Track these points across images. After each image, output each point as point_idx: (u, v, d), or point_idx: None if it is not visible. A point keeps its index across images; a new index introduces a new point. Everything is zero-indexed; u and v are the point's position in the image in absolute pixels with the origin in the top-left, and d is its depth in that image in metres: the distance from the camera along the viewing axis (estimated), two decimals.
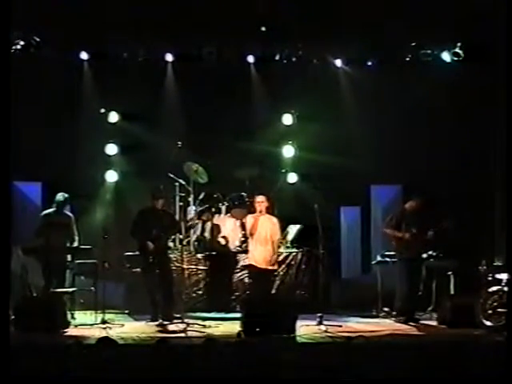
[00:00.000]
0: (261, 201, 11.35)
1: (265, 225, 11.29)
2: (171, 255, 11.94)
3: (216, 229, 12.64)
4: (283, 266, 12.36)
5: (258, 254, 11.25)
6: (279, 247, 12.05)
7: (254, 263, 11.34)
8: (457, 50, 13.26)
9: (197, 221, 12.65)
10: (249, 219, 11.41)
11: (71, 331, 10.38)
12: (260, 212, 11.30)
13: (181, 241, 11.93)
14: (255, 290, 11.45)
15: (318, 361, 7.73)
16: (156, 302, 11.28)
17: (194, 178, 12.92)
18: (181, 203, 12.76)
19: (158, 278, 11.31)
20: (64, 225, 11.57)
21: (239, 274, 12.35)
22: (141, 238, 11.33)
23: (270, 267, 11.39)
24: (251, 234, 11.30)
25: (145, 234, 11.29)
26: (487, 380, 7.01)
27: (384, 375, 7.05)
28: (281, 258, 12.31)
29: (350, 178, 13.38)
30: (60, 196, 11.61)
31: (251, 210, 12.12)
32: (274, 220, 11.46)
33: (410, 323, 11.25)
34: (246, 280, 12.11)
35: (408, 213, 11.70)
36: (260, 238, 11.26)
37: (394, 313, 11.65)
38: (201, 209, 12.71)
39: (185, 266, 11.69)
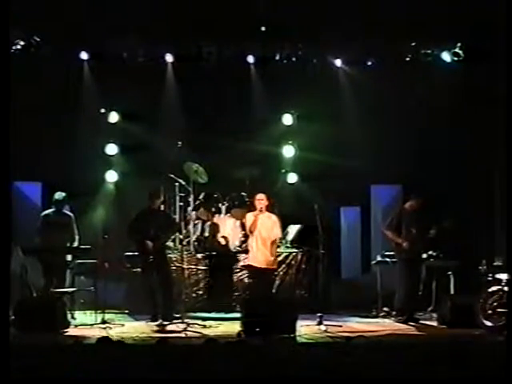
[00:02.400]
0: (260, 199, 11.23)
1: (265, 223, 11.21)
2: (171, 255, 11.94)
3: (216, 229, 12.64)
4: (283, 265, 12.36)
5: (258, 254, 11.19)
6: (279, 247, 12.05)
7: (253, 263, 11.28)
8: (457, 50, 13.26)
9: (196, 221, 12.64)
10: (249, 217, 11.33)
11: (71, 331, 10.38)
12: (260, 210, 11.24)
13: (181, 241, 11.94)
14: (255, 289, 11.42)
15: (317, 361, 7.73)
16: (156, 302, 11.27)
17: (193, 178, 12.91)
18: (181, 203, 12.76)
19: (157, 277, 11.31)
20: (64, 225, 11.57)
21: (239, 274, 12.36)
22: (138, 238, 11.31)
23: (270, 266, 11.33)
24: (251, 232, 11.19)
25: (142, 234, 11.27)
26: (487, 380, 7.01)
27: (384, 375, 7.05)
28: (281, 258, 12.30)
29: (350, 177, 13.38)
30: (58, 195, 11.62)
31: (251, 209, 12.13)
32: (274, 218, 11.36)
33: (410, 323, 11.26)
34: (246, 280, 12.10)
35: (407, 213, 11.70)
36: (260, 237, 11.18)
37: (394, 313, 11.65)
38: (195, 205, 12.68)
39: (185, 266, 11.69)
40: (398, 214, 11.80)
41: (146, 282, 11.40)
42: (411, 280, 11.51)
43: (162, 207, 11.77)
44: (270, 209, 11.46)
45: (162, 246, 11.45)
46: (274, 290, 11.83)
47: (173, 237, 12.27)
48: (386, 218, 12.00)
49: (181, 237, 11.98)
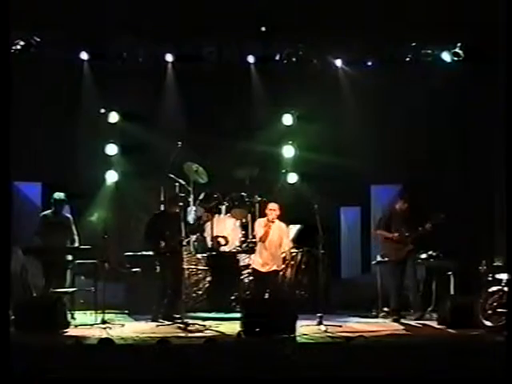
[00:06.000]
0: (273, 208, 11.40)
1: (275, 233, 11.42)
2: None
3: (216, 229, 12.63)
4: (283, 266, 12.36)
5: (265, 260, 11.37)
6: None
7: (259, 268, 11.41)
8: (457, 50, 13.25)
9: (205, 218, 12.60)
10: (260, 225, 11.47)
11: (71, 331, 10.37)
12: (272, 220, 11.37)
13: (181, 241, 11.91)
14: (259, 292, 11.47)
15: (317, 361, 7.74)
16: (162, 302, 11.22)
17: (193, 178, 12.92)
18: (181, 203, 12.74)
19: (171, 277, 11.23)
20: (62, 226, 11.58)
21: (239, 275, 12.34)
22: (153, 238, 11.29)
23: (276, 269, 11.48)
24: (262, 242, 11.36)
25: (158, 235, 11.24)
26: (487, 380, 7.02)
27: (384, 375, 7.06)
28: None
29: (350, 177, 13.38)
30: (57, 196, 11.63)
31: (251, 210, 12.18)
32: (284, 228, 11.56)
33: (409, 323, 11.28)
34: (246, 280, 12.13)
35: (397, 213, 11.76)
36: (269, 245, 11.37)
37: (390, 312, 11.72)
38: (210, 205, 12.67)
39: (185, 266, 11.68)
40: (387, 214, 11.87)
41: (161, 281, 11.31)
42: (397, 282, 11.60)
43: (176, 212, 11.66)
44: (281, 218, 11.53)
45: (178, 245, 11.32)
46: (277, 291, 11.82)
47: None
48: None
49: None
